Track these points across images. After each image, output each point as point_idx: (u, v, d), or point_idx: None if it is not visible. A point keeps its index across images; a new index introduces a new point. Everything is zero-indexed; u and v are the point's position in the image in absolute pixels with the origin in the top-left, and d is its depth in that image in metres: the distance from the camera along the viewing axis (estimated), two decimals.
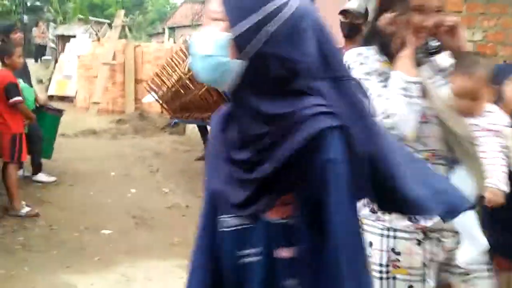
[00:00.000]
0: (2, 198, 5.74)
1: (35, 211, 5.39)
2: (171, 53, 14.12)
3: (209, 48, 1.21)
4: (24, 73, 6.31)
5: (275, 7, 1.18)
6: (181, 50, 6.65)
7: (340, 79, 1.21)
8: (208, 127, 7.93)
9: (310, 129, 1.12)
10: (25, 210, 5.35)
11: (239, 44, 1.19)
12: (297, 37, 1.19)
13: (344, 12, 4.43)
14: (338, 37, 4.52)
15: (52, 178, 6.66)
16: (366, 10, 4.42)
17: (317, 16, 1.25)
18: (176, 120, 7.13)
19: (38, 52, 21.84)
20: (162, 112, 13.03)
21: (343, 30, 4.49)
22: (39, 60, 20.50)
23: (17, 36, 6.72)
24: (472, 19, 5.08)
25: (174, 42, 19.08)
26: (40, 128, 6.36)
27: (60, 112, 7.00)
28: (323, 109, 1.14)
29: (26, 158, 5.92)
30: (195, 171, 7.59)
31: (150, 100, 11.31)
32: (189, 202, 6.04)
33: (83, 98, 13.90)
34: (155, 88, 6.62)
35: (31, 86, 6.46)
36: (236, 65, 1.20)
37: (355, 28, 4.42)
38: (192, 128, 9.41)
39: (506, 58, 5.17)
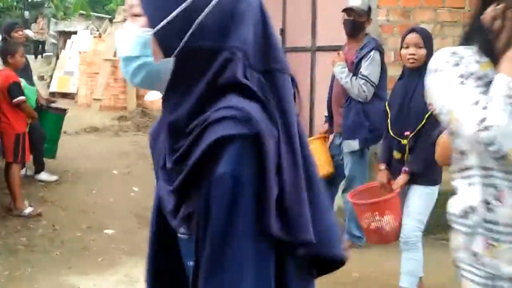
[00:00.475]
0: (5, 198, 5.74)
1: (38, 211, 5.38)
2: None
3: (129, 48, 1.08)
4: (26, 71, 6.30)
5: None
6: None
7: (278, 72, 1.07)
8: None
9: (210, 137, 0.97)
10: (28, 210, 5.35)
11: (162, 40, 1.05)
12: (230, 23, 1.03)
13: (347, 10, 4.42)
14: (341, 34, 4.51)
15: (54, 177, 6.65)
16: (369, 8, 4.41)
17: None
18: None
19: (37, 48, 21.94)
20: None
21: (346, 28, 4.48)
22: (39, 56, 20.53)
23: (19, 34, 6.71)
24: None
25: None
26: (43, 127, 6.36)
27: (63, 111, 6.99)
28: (231, 112, 0.97)
29: (30, 158, 5.91)
30: None
31: (153, 99, 11.29)
32: None
33: (84, 95, 13.87)
34: None
35: (33, 84, 6.45)
36: (163, 65, 1.06)
37: (358, 26, 4.42)
38: None
39: None
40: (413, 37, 3.48)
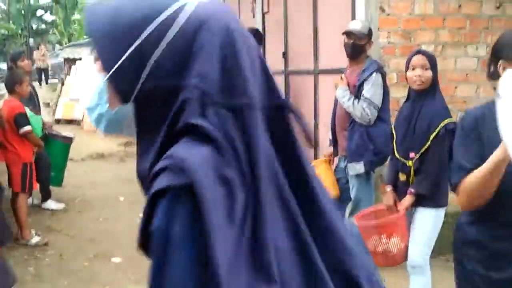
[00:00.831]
0: (12, 228, 5.75)
1: (44, 240, 5.39)
2: None
3: (88, 97, 1.00)
4: (33, 100, 6.35)
5: (157, 29, 0.91)
6: None
7: (248, 108, 0.91)
8: None
9: (149, 194, 0.87)
10: (35, 240, 5.36)
11: (117, 85, 0.95)
12: (188, 58, 0.91)
13: (347, 33, 4.45)
14: (343, 57, 4.53)
15: (61, 205, 6.67)
16: (370, 30, 4.43)
17: (228, 23, 0.95)
18: None
19: (41, 75, 22.24)
20: None
21: (346, 51, 4.50)
22: (43, 83, 20.75)
23: (25, 63, 6.77)
24: (475, 34, 5.08)
25: None
26: (49, 155, 6.39)
27: (70, 139, 7.03)
28: (166, 163, 0.86)
29: (37, 187, 5.94)
30: None
31: None
32: None
33: (90, 121, 13.94)
34: None
35: (40, 112, 6.51)
36: (122, 112, 0.97)
37: (358, 48, 4.44)
38: None
39: None
40: (419, 59, 3.47)
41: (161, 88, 0.92)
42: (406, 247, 3.58)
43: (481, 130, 2.05)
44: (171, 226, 0.84)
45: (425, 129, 3.42)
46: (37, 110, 6.36)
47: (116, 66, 0.92)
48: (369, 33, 4.46)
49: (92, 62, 0.99)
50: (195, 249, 0.84)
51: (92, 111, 1.01)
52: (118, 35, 0.92)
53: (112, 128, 1.02)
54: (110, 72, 0.93)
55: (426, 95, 3.49)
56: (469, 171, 2.01)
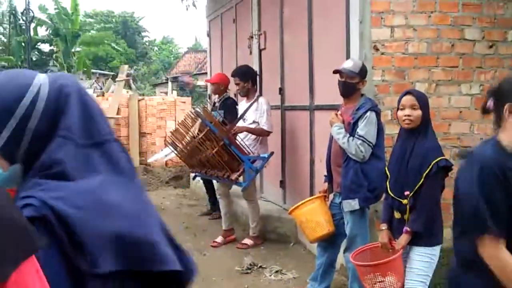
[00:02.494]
0: None
1: None
2: (174, 105, 14.34)
3: None
4: None
5: (26, 107, 1.16)
6: (189, 113, 6.82)
7: (108, 141, 1.21)
8: (215, 183, 7.96)
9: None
10: None
11: (4, 153, 1.17)
12: (58, 117, 1.17)
13: (339, 72, 4.53)
14: (338, 94, 4.61)
15: None
16: (362, 70, 4.51)
17: (77, 87, 1.24)
18: (197, 174, 7.23)
19: None
20: (166, 165, 13.13)
21: (339, 89, 4.58)
22: None
23: None
24: (468, 73, 5.16)
25: (178, 95, 19.32)
26: None
27: None
28: (27, 201, 1.07)
29: None
30: (200, 227, 7.58)
31: (156, 158, 11.37)
32: (194, 260, 5.99)
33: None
34: (175, 144, 6.76)
35: None
36: (14, 170, 1.18)
37: (350, 87, 4.52)
38: (196, 182, 9.42)
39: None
40: (408, 99, 3.56)
41: (40, 146, 1.15)
42: (402, 286, 3.60)
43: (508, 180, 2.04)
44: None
45: (418, 167, 3.48)
46: None
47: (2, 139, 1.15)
48: (361, 72, 4.53)
49: None
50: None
51: None
52: None
53: (9, 184, 1.19)
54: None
55: (418, 133, 3.55)
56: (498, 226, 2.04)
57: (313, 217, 4.68)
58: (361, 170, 4.42)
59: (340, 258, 4.85)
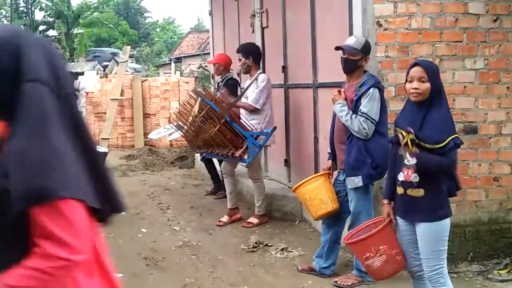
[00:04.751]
0: None
1: None
2: (178, 86, 14.31)
3: None
4: None
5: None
6: (190, 92, 6.80)
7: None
8: (216, 164, 7.96)
9: None
10: None
11: None
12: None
13: (341, 48, 4.50)
14: (342, 71, 4.58)
15: None
16: (365, 46, 4.47)
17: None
18: (204, 154, 7.24)
19: None
20: (171, 146, 13.14)
21: (342, 66, 4.57)
22: None
23: None
24: (472, 48, 5.12)
25: (181, 75, 19.26)
26: None
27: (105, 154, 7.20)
28: None
29: None
30: (206, 207, 7.61)
31: (156, 137, 11.37)
32: (200, 239, 6.05)
33: (92, 135, 14.01)
34: (179, 125, 6.76)
35: None
36: None
37: (352, 64, 4.50)
38: (201, 162, 9.43)
39: (510, 84, 5.20)
40: (416, 71, 3.41)
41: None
42: (397, 255, 3.56)
43: None
44: None
45: (432, 137, 3.31)
46: None
47: None
48: (364, 48, 4.50)
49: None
50: None
51: None
52: None
53: None
54: None
55: (430, 105, 3.39)
56: None
57: (317, 194, 4.69)
58: (364, 147, 4.41)
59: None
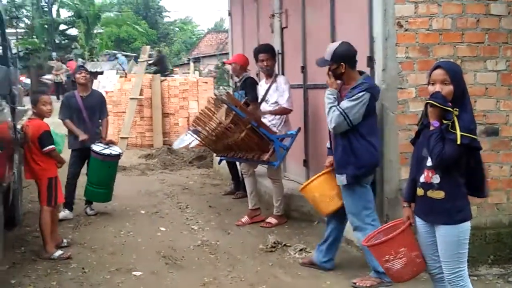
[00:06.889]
0: (36, 241, 5.86)
1: (67, 254, 5.46)
2: (196, 86, 14.36)
3: None
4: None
5: None
6: (211, 99, 6.87)
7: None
8: (238, 165, 7.96)
9: None
10: (58, 253, 5.44)
11: None
12: None
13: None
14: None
15: (70, 216, 6.95)
16: (335, 53, 4.56)
17: None
18: (222, 158, 7.23)
19: (58, 89, 22.94)
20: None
21: None
22: (60, 96, 21.27)
23: (81, 75, 7.62)
24: (494, 49, 5.07)
25: (200, 75, 19.32)
26: (98, 172, 7.05)
27: (119, 156, 7.35)
28: None
29: (62, 200, 6.00)
30: (224, 206, 7.63)
31: (180, 146, 11.38)
32: (218, 238, 6.07)
33: (111, 134, 14.10)
34: (197, 130, 6.76)
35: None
36: None
37: (333, 74, 4.62)
38: None
39: None
40: (438, 74, 3.34)
41: None
42: (417, 258, 3.54)
43: None
44: None
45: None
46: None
47: None
48: (335, 57, 4.54)
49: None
50: None
51: None
52: None
53: None
54: None
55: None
56: None
57: (325, 191, 4.80)
58: (350, 147, 4.48)
59: (349, 233, 5.07)
